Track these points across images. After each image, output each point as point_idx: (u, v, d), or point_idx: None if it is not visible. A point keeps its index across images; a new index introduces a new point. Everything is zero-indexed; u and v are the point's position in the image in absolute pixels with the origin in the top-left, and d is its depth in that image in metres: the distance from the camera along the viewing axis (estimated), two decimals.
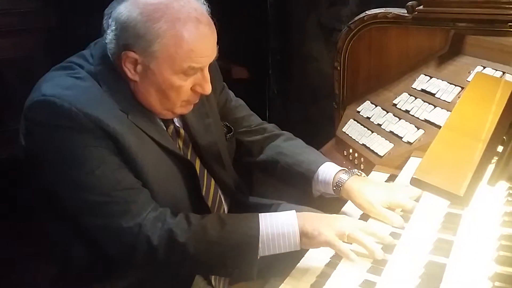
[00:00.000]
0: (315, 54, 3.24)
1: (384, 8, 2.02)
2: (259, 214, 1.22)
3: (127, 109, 1.23)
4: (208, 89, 1.27)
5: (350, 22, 2.09)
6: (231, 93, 1.65)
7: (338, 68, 2.14)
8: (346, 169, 1.46)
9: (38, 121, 1.18)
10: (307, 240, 1.18)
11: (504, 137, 1.25)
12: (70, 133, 1.16)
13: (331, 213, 1.32)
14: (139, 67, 1.22)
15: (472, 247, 1.08)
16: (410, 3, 1.94)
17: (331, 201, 1.50)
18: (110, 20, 1.23)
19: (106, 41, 1.24)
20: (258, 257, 1.17)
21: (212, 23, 1.25)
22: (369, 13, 2.03)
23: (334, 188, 1.42)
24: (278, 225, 1.19)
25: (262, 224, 1.18)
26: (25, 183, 1.30)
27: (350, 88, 2.14)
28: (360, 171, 1.47)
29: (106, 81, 1.23)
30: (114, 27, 1.21)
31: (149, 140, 1.26)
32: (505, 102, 1.27)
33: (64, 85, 1.20)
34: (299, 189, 1.52)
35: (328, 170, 1.45)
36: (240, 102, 1.66)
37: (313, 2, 3.19)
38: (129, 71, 1.22)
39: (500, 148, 1.23)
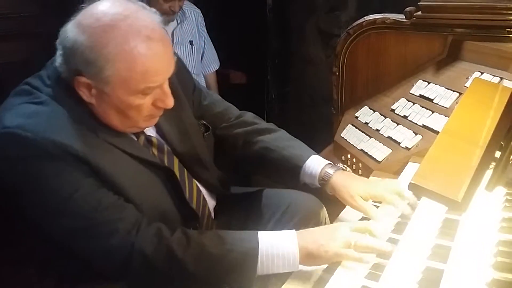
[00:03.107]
0: (314, 59, 3.25)
1: (382, 14, 2.03)
2: (259, 232, 1.20)
3: (94, 128, 1.19)
4: (169, 103, 1.22)
5: (348, 28, 2.10)
6: (204, 89, 1.62)
7: (337, 73, 2.14)
8: (332, 163, 1.47)
9: (4, 155, 1.12)
10: (314, 260, 1.17)
11: (502, 143, 1.25)
12: (40, 164, 1.11)
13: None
14: (93, 91, 1.16)
15: (470, 253, 1.07)
16: (408, 9, 1.95)
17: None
18: (57, 42, 1.17)
19: (56, 64, 1.18)
20: (256, 275, 1.16)
21: (165, 35, 1.18)
22: (368, 18, 2.04)
23: (320, 182, 1.44)
24: (278, 245, 1.17)
25: (262, 243, 1.17)
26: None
27: (349, 93, 2.14)
28: (345, 166, 1.50)
29: (66, 103, 1.17)
30: (61, 51, 1.16)
31: (123, 155, 1.22)
32: (503, 108, 1.27)
33: (25, 113, 1.14)
34: (285, 182, 1.54)
35: (314, 165, 1.46)
36: (214, 96, 1.62)
37: (312, 7, 3.20)
38: (84, 94, 1.17)
39: (498, 154, 1.24)
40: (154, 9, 1.21)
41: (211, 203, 1.50)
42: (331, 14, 3.13)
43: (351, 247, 1.15)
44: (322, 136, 2.06)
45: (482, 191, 1.19)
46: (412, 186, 1.14)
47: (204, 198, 1.45)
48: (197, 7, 3.02)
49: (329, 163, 1.46)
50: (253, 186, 1.69)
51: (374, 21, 2.02)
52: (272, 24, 3.49)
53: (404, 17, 1.96)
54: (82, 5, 1.17)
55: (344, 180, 1.40)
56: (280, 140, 1.54)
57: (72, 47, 1.13)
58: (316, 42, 3.23)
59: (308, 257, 1.16)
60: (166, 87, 1.21)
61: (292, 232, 1.20)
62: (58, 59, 1.17)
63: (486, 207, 1.20)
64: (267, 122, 1.67)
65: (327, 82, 2.28)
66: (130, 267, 1.14)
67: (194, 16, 2.95)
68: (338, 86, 2.15)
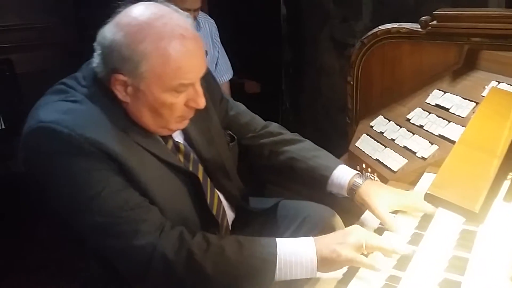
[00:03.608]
0: (328, 68, 3.24)
1: (397, 23, 2.02)
2: (277, 239, 1.20)
3: (126, 128, 1.23)
4: (201, 103, 1.26)
5: (363, 37, 2.09)
6: (231, 100, 1.64)
7: (351, 82, 2.13)
8: (360, 173, 1.47)
9: (39, 149, 1.16)
10: (328, 265, 1.18)
11: None
12: (72, 159, 1.15)
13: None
14: (129, 89, 1.20)
15: (488, 265, 1.06)
16: (423, 18, 1.94)
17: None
18: (96, 43, 1.22)
19: (94, 65, 1.23)
20: (274, 282, 1.17)
21: (198, 36, 1.23)
22: (382, 28, 2.03)
23: (349, 192, 1.44)
24: (296, 252, 1.18)
25: (280, 250, 1.18)
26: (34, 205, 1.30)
27: (363, 102, 2.13)
28: (373, 175, 1.48)
29: (101, 102, 1.22)
30: (100, 51, 1.21)
31: (151, 157, 1.25)
32: None
33: (61, 110, 1.18)
34: (311, 192, 1.54)
35: (343, 175, 1.47)
36: (241, 107, 1.65)
37: (326, 16, 3.21)
38: (120, 93, 1.21)
39: None
40: (186, 13, 1.26)
41: (230, 215, 1.51)
42: (345, 24, 3.13)
43: (363, 250, 1.16)
44: (336, 145, 2.05)
45: (500, 202, 1.18)
46: (428, 197, 1.12)
47: (224, 209, 1.47)
48: (212, 17, 3.05)
49: (357, 173, 1.47)
50: (268, 194, 1.69)
51: (388, 31, 2.01)
52: (286, 34, 3.50)
53: (419, 27, 1.95)
54: (119, 9, 1.22)
55: (373, 190, 1.40)
56: (306, 150, 1.56)
57: (110, 46, 1.18)
58: (330, 52, 3.23)
59: (323, 263, 1.17)
60: (198, 87, 1.25)
61: (310, 239, 1.20)
62: (96, 59, 1.22)
63: (504, 218, 1.18)
64: (275, 124, 1.67)
65: (342, 91, 2.28)
66: (151, 268, 1.16)
67: (208, 26, 2.98)
68: (353, 96, 2.15)
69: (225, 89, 3.14)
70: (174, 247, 1.16)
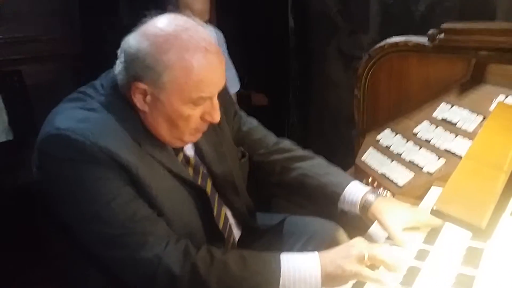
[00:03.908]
0: (335, 81, 3.24)
1: (405, 36, 2.02)
2: (281, 255, 1.20)
3: (139, 138, 1.24)
4: (217, 117, 1.27)
5: (370, 50, 2.09)
6: (244, 115, 1.65)
7: (358, 95, 2.13)
8: (372, 189, 1.46)
9: (53, 155, 1.18)
10: (333, 280, 1.16)
11: None
12: (85, 167, 1.16)
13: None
14: (148, 98, 1.22)
15: (496, 282, 1.04)
16: (431, 31, 1.93)
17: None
18: (119, 51, 1.24)
19: (115, 72, 1.25)
20: None
21: (220, 51, 1.25)
22: (390, 41, 2.03)
23: (361, 209, 1.42)
24: (300, 268, 1.17)
25: (284, 266, 1.17)
26: (40, 213, 1.30)
27: (370, 115, 2.12)
28: (385, 192, 1.46)
29: (117, 111, 1.24)
30: (123, 59, 1.22)
31: (162, 169, 1.26)
32: None
33: (77, 117, 1.20)
34: (322, 210, 1.53)
35: (355, 192, 1.45)
36: (254, 123, 1.65)
37: (334, 29, 3.22)
38: (138, 101, 1.23)
39: None
40: (211, 27, 1.27)
41: (236, 232, 1.50)
42: (353, 37, 3.13)
43: (366, 261, 1.14)
44: (343, 158, 2.04)
45: (507, 218, 1.16)
46: (435, 212, 1.11)
47: (230, 226, 1.47)
48: (220, 28, 3.07)
49: (369, 190, 1.45)
50: (274, 208, 1.68)
51: (396, 44, 2.01)
52: (294, 46, 3.51)
53: (426, 40, 1.94)
54: (145, 19, 1.25)
55: (385, 207, 1.38)
56: (319, 167, 1.55)
57: (134, 54, 1.20)
58: (337, 64, 3.23)
59: (327, 278, 1.16)
60: (215, 101, 1.26)
61: (315, 254, 1.19)
62: (118, 66, 1.24)
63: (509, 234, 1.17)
64: (287, 140, 1.66)
65: (349, 104, 2.27)
66: (156, 281, 1.15)
67: (215, 38, 3.00)
68: (360, 109, 2.14)
69: None
70: (179, 261, 1.15)
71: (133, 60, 1.20)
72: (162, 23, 1.22)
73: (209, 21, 2.93)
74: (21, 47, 3.47)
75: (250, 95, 3.42)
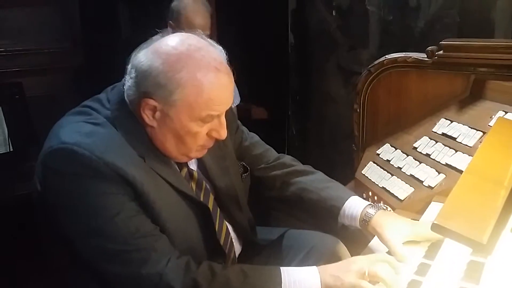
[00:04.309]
0: (335, 96, 3.26)
1: (404, 53, 2.04)
2: (281, 268, 1.20)
3: (144, 153, 1.24)
4: (224, 134, 1.29)
5: (370, 66, 2.11)
6: (245, 130, 1.66)
7: (358, 110, 2.14)
8: (372, 203, 1.47)
9: (58, 169, 1.18)
10: None
11: None
12: (90, 182, 1.16)
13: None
14: (157, 114, 1.23)
15: None
16: (430, 48, 1.95)
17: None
18: (129, 67, 1.25)
19: (125, 87, 1.26)
20: None
21: (230, 71, 1.28)
22: (389, 57, 2.05)
23: (361, 223, 1.43)
24: (300, 281, 1.18)
25: (284, 279, 1.18)
26: (40, 226, 1.30)
27: (370, 130, 2.13)
28: (386, 205, 1.47)
29: (123, 126, 1.24)
30: (134, 75, 1.23)
31: (166, 185, 1.27)
32: None
33: (83, 132, 1.21)
34: (323, 223, 1.54)
35: (355, 205, 1.46)
36: (255, 138, 1.67)
37: (333, 45, 3.24)
38: (147, 117, 1.24)
39: None
40: (220, 47, 1.31)
41: (237, 247, 1.51)
42: (352, 52, 3.16)
43: (366, 277, 1.16)
44: (343, 173, 2.05)
45: (508, 233, 1.16)
46: (435, 227, 1.11)
47: (231, 241, 1.47)
48: (222, 42, 3.06)
49: (369, 204, 1.46)
50: (273, 222, 1.68)
51: (395, 60, 2.03)
52: (294, 61, 3.54)
53: (425, 56, 1.96)
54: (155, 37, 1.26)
55: (385, 221, 1.39)
56: (318, 182, 1.56)
57: (146, 71, 1.21)
58: (337, 79, 3.25)
59: None
60: (223, 119, 1.28)
61: (314, 268, 1.21)
62: (128, 82, 1.25)
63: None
64: (288, 156, 1.67)
65: (348, 119, 2.29)
66: None
67: None
68: (359, 123, 2.15)
69: None
70: (180, 277, 1.15)
71: (145, 77, 1.21)
72: (174, 41, 1.23)
73: (210, 36, 2.95)
74: (22, 59, 3.49)
75: (250, 109, 3.42)
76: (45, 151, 1.21)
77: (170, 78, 1.19)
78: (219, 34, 3.42)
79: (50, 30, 3.65)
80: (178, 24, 2.72)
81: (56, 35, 3.66)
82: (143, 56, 1.22)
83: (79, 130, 1.21)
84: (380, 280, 1.16)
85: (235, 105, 3.14)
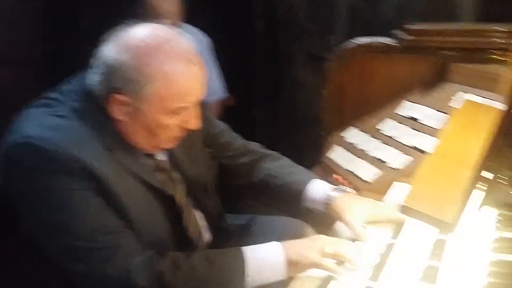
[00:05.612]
0: (303, 82, 3.26)
1: (371, 37, 2.05)
2: (244, 248, 1.20)
3: (111, 146, 1.20)
4: (197, 125, 1.27)
5: (337, 51, 2.11)
6: (213, 118, 1.64)
7: (325, 95, 2.15)
8: (335, 186, 1.48)
9: (22, 164, 1.13)
10: (293, 267, 1.19)
11: (491, 163, 1.25)
12: (55, 177, 1.12)
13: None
14: (127, 108, 1.19)
15: (460, 273, 1.05)
16: (396, 32, 1.97)
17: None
18: (95, 60, 1.20)
19: (90, 81, 1.21)
20: None
21: (202, 60, 1.24)
22: (357, 42, 2.06)
23: (324, 205, 1.44)
24: (263, 257, 1.19)
25: (248, 258, 1.18)
26: (2, 223, 1.25)
27: (337, 114, 2.14)
28: (348, 188, 1.48)
29: (89, 118, 1.20)
30: (100, 69, 1.19)
31: (132, 178, 1.23)
32: (493, 129, 1.26)
33: (47, 125, 1.16)
34: (288, 209, 1.55)
35: (317, 189, 1.47)
36: (222, 126, 1.64)
37: (301, 30, 3.23)
38: (117, 112, 1.20)
39: (488, 175, 1.23)
40: (190, 36, 1.25)
41: (207, 235, 1.49)
42: (320, 38, 3.16)
43: (327, 256, 1.18)
44: (310, 157, 2.05)
45: (472, 212, 1.18)
46: (404, 209, 1.12)
47: (200, 231, 1.45)
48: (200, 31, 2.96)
49: (332, 187, 1.47)
50: (242, 209, 1.68)
51: (363, 45, 2.05)
52: (261, 47, 3.52)
53: (392, 41, 1.98)
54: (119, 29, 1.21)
55: (346, 203, 1.40)
56: (283, 167, 1.56)
57: (114, 66, 1.16)
58: (305, 65, 3.25)
59: (289, 264, 1.18)
60: (196, 109, 1.26)
61: (277, 244, 1.22)
62: (94, 76, 1.20)
63: (476, 227, 1.19)
64: (255, 143, 1.66)
65: (316, 103, 2.29)
66: None
67: (195, 43, 2.85)
68: (327, 108, 2.16)
69: (214, 109, 3.02)
70: (145, 273, 1.13)
71: (113, 72, 1.17)
72: (142, 33, 1.19)
73: (181, 23, 2.86)
74: None
75: None
76: (7, 145, 1.16)
77: (140, 72, 1.15)
78: (188, 21, 3.36)
79: (9, 21, 3.50)
80: (144, 12, 2.62)
81: (15, 26, 3.53)
82: (110, 50, 1.18)
83: (42, 123, 1.16)
84: (343, 258, 1.18)
85: (218, 98, 3.04)
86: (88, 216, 1.13)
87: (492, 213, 1.23)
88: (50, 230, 1.14)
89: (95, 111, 1.20)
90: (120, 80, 1.16)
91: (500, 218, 1.21)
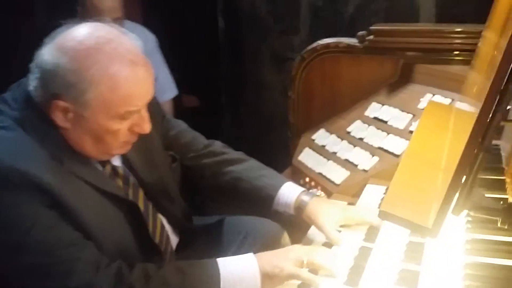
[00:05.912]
0: (268, 82, 3.25)
1: (335, 38, 2.06)
2: (218, 260, 1.18)
3: (60, 156, 1.14)
4: (147, 128, 1.21)
5: (303, 51, 2.11)
6: (171, 118, 1.60)
7: (292, 96, 2.15)
8: (306, 190, 1.47)
9: None
10: (269, 280, 1.17)
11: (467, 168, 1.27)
12: (1, 193, 1.06)
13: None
14: (70, 115, 1.13)
15: (438, 276, 1.07)
16: (360, 33, 1.99)
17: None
18: (33, 66, 1.13)
19: (30, 88, 1.14)
20: None
21: (147, 61, 1.19)
22: (321, 42, 2.06)
23: (295, 210, 1.43)
24: (238, 270, 1.16)
25: (222, 271, 1.15)
26: None
27: (305, 116, 2.14)
28: (319, 191, 1.48)
29: (33, 128, 1.13)
30: (38, 75, 1.12)
31: (87, 187, 1.18)
32: (463, 131, 1.28)
33: None
34: (259, 210, 1.53)
35: (288, 193, 1.45)
36: (182, 126, 1.60)
37: (265, 30, 3.22)
38: (59, 119, 1.13)
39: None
40: (134, 35, 1.20)
41: (174, 239, 1.46)
42: (284, 38, 3.15)
43: (304, 266, 1.17)
44: (279, 159, 2.04)
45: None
46: (382, 214, 1.12)
47: (167, 235, 1.42)
48: (147, 27, 2.90)
49: (303, 190, 1.46)
50: (209, 211, 1.65)
51: (327, 45, 2.05)
52: (225, 47, 3.48)
53: (356, 41, 1.99)
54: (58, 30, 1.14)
55: (319, 207, 1.39)
56: (252, 170, 1.53)
57: (52, 71, 1.10)
58: (269, 65, 3.24)
59: (265, 277, 1.16)
60: (145, 112, 1.20)
61: (251, 255, 1.20)
62: (33, 82, 1.14)
63: (450, 230, 1.20)
64: (218, 142, 1.63)
65: (282, 105, 2.28)
66: None
67: (141, 42, 2.80)
68: (294, 110, 2.16)
69: (167, 108, 2.97)
70: (112, 285, 1.09)
71: (51, 77, 1.11)
72: (81, 34, 1.13)
73: (136, 22, 2.79)
74: None
75: (181, 98, 3.33)
76: None
77: (80, 76, 1.09)
78: (144, 20, 3.28)
79: None
80: (84, 10, 2.50)
81: None
82: (47, 54, 1.11)
83: None
84: (319, 267, 1.17)
85: (171, 98, 2.99)
86: (40, 231, 1.07)
87: (461, 214, 1.25)
88: (3, 249, 1.08)
89: (38, 119, 1.14)
90: (59, 86, 1.11)
91: (470, 219, 1.23)
